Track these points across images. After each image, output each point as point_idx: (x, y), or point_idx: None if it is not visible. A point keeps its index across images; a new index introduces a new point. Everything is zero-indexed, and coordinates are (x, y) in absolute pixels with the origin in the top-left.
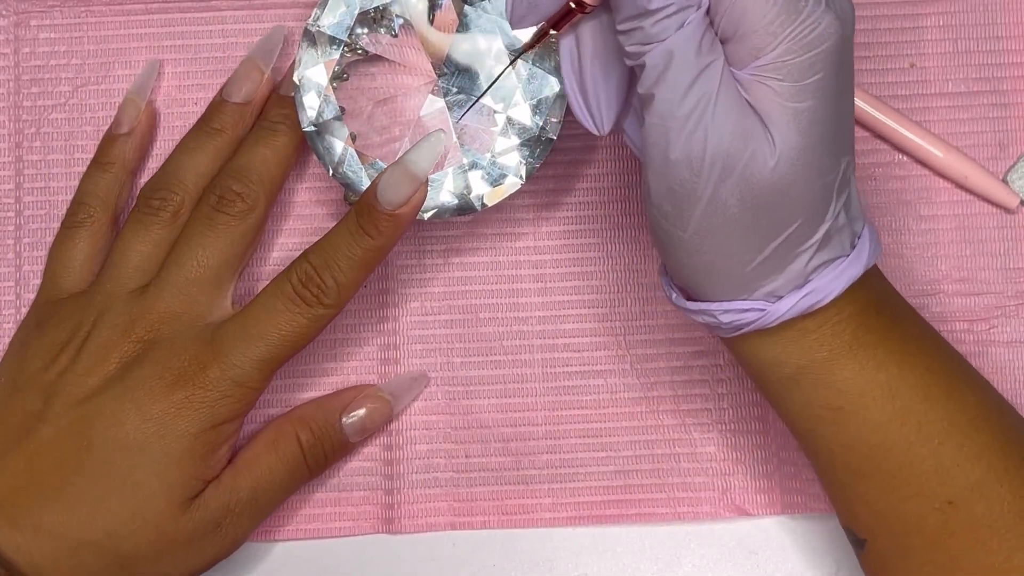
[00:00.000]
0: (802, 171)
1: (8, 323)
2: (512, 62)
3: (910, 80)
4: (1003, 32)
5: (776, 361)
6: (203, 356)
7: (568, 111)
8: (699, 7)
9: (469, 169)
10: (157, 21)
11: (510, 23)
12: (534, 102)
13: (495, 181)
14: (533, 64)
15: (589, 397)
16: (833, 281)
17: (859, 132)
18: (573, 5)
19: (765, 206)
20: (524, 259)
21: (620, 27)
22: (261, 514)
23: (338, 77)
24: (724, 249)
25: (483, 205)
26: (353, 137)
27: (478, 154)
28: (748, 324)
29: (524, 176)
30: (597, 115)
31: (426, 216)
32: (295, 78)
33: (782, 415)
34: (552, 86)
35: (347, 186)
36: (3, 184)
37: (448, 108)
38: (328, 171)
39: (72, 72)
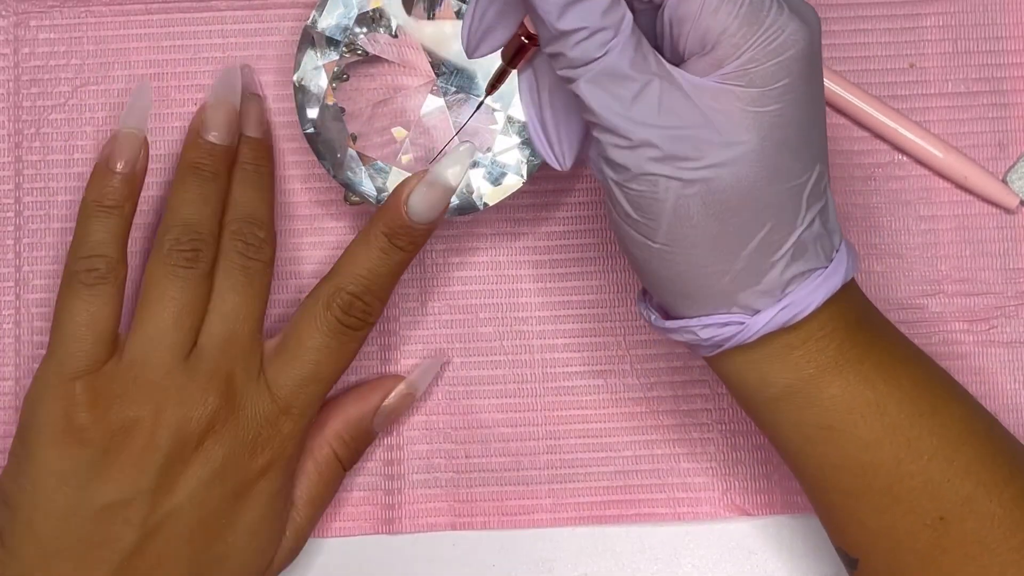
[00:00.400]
0: (763, 173)
1: (8, 323)
2: (479, 105)
3: (910, 80)
4: (1003, 32)
5: (763, 381)
6: (273, 414)
7: None
8: (618, 32)
9: (470, 168)
10: (157, 21)
11: (466, 54)
12: None
13: (496, 180)
14: None
15: (589, 397)
16: (812, 293)
17: (859, 132)
18: (525, 40)
19: (730, 210)
20: (524, 259)
21: (546, 51)
22: (314, 526)
23: (338, 78)
24: (696, 258)
25: (484, 204)
26: (353, 138)
27: (479, 153)
28: (728, 339)
29: (526, 175)
30: (558, 150)
31: None
32: (294, 79)
33: (771, 437)
34: None
35: (347, 187)
36: (3, 184)
37: (447, 107)
38: (329, 172)
39: (72, 72)
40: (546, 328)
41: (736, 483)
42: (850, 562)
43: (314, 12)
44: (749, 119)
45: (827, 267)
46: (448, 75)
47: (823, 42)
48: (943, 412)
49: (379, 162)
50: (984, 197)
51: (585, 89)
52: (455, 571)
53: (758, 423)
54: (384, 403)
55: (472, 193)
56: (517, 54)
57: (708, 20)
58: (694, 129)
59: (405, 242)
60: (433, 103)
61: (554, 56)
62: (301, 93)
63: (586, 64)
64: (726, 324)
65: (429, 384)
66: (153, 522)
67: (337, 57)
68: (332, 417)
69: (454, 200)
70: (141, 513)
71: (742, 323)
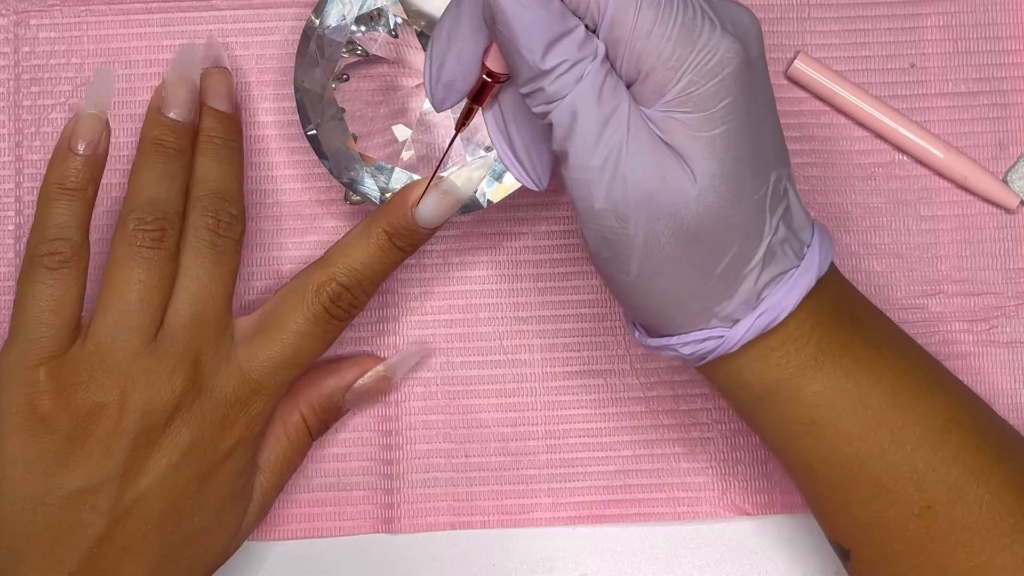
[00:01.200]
0: (726, 196)
1: (8, 322)
2: (451, 142)
3: (910, 80)
4: (1003, 32)
5: (746, 383)
6: (243, 395)
7: None
8: (594, 58)
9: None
10: (157, 21)
11: (433, 107)
12: None
13: (498, 177)
14: None
15: (589, 397)
16: (787, 295)
17: (859, 132)
18: (487, 78)
19: (698, 237)
20: (524, 259)
21: (522, 90)
22: (280, 490)
23: (338, 78)
24: (670, 285)
25: (488, 202)
26: (354, 138)
27: (479, 150)
28: (710, 352)
29: None
30: (533, 173)
31: None
32: (295, 80)
33: (760, 435)
34: None
35: (349, 186)
36: (3, 184)
37: None
38: (330, 172)
39: (72, 72)
40: (546, 328)
41: (736, 483)
42: (844, 553)
43: (314, 12)
44: (703, 144)
45: (798, 266)
46: None
47: (823, 42)
48: (927, 401)
49: (381, 162)
50: (984, 197)
51: (558, 121)
52: (455, 571)
53: (747, 421)
54: (359, 381)
55: (475, 192)
56: (481, 91)
57: (641, 43)
58: (658, 155)
59: (405, 243)
60: None
61: (531, 94)
62: (301, 93)
63: (562, 98)
64: (706, 339)
65: (430, 385)
66: (121, 508)
67: (337, 57)
68: (305, 385)
69: None
70: (109, 499)
71: (721, 336)
